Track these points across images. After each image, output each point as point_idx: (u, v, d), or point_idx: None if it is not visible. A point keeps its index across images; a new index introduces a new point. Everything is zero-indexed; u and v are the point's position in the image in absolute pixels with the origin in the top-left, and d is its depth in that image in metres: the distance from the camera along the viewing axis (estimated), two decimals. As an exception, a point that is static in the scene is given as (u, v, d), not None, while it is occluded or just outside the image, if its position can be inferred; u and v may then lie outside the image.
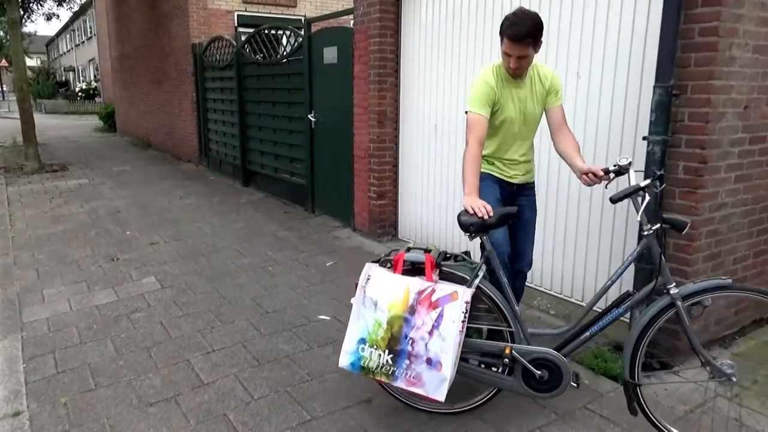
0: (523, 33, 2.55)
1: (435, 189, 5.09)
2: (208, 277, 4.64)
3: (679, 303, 2.34)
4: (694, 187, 2.94)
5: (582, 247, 3.74)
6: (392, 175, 5.56)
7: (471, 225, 2.47)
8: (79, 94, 32.35)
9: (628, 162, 2.52)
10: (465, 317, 2.35)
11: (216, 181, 9.16)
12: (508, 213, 2.55)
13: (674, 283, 2.37)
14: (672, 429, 2.47)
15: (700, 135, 2.89)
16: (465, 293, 2.37)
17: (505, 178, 2.94)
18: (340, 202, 6.25)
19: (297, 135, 6.96)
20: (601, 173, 2.58)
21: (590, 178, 2.62)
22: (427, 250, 2.54)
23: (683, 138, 2.95)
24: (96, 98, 31.52)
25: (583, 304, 3.76)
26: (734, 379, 2.33)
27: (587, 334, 2.53)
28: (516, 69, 2.67)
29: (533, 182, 3.07)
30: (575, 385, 2.53)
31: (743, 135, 3.07)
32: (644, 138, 3.02)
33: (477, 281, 2.49)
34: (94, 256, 5.19)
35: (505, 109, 2.78)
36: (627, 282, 3.23)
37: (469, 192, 2.61)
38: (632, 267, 3.23)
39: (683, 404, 2.79)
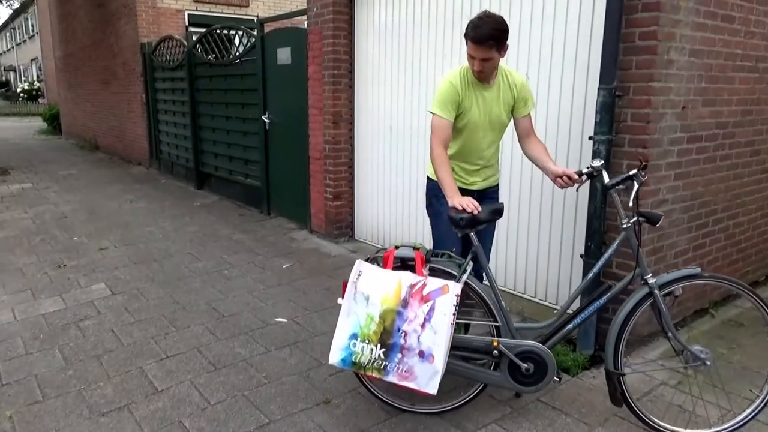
0: (485, 35, 2.57)
1: (391, 189, 5.13)
2: (161, 282, 4.54)
3: (656, 292, 2.47)
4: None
5: (534, 244, 3.84)
6: (348, 176, 5.57)
7: (461, 219, 2.52)
8: (21, 94, 31.03)
9: (600, 164, 2.64)
10: (455, 311, 2.38)
11: (168, 184, 8.96)
12: (497, 209, 2.62)
13: (651, 274, 2.49)
14: (645, 412, 2.57)
15: (642, 135, 3.02)
16: (455, 287, 2.41)
17: (464, 186, 2.93)
18: (296, 204, 6.22)
19: (251, 136, 6.88)
20: (576, 176, 2.66)
21: (564, 180, 2.69)
22: (415, 248, 2.58)
23: (626, 137, 3.07)
24: (39, 99, 30.31)
25: (536, 299, 3.87)
26: (708, 363, 2.46)
27: (570, 326, 2.64)
28: (480, 72, 2.69)
29: (496, 186, 3.10)
30: (557, 379, 2.63)
31: (681, 134, 3.23)
32: (590, 138, 3.14)
33: (465, 276, 2.54)
34: (40, 263, 5.00)
35: (470, 112, 2.78)
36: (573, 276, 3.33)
37: (451, 194, 2.66)
38: (580, 262, 3.35)
39: (633, 393, 2.91)
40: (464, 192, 2.88)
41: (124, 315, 3.90)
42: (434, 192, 2.94)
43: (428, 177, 3.04)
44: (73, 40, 13.88)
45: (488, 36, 2.57)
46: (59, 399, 2.87)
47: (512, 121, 2.93)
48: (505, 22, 2.63)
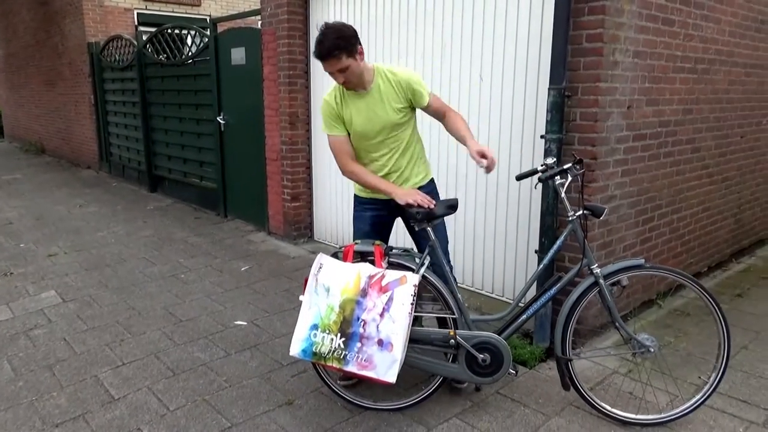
0: (328, 48, 2.51)
1: (350, 190, 5.14)
2: (115, 288, 4.42)
3: (601, 281, 2.58)
4: (587, 181, 3.18)
5: (490, 241, 3.92)
6: (306, 177, 5.56)
7: (417, 213, 2.58)
8: (-42, 96, 29.52)
9: (553, 161, 2.74)
10: (413, 301, 2.43)
11: (119, 187, 8.72)
12: (452, 204, 2.67)
13: (597, 264, 2.60)
14: (596, 399, 2.68)
15: (591, 133, 3.13)
16: (413, 278, 2.47)
17: (373, 197, 2.89)
18: (253, 206, 6.16)
19: (206, 138, 6.77)
20: (490, 154, 2.54)
21: (479, 159, 2.57)
22: (374, 243, 2.66)
23: (576, 136, 3.19)
24: (-22, 101, 28.88)
25: (493, 295, 3.96)
26: (653, 350, 2.59)
27: (524, 317, 2.73)
28: (345, 83, 2.64)
29: (426, 184, 2.94)
30: (514, 372, 2.71)
31: (627, 133, 3.36)
32: (542, 136, 3.23)
33: (423, 270, 2.60)
34: (-16, 271, 4.80)
35: (353, 122, 2.74)
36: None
37: (393, 189, 2.71)
38: (536, 257, 3.44)
39: (585, 382, 3.02)
40: (377, 203, 2.90)
41: (77, 323, 3.78)
42: (355, 201, 3.02)
43: (354, 194, 3.03)
44: (14, 38, 13.31)
45: (332, 48, 2.51)
46: (9, 411, 2.77)
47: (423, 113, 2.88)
48: (347, 28, 2.56)
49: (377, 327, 2.43)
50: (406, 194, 2.66)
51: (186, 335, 3.60)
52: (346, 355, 2.43)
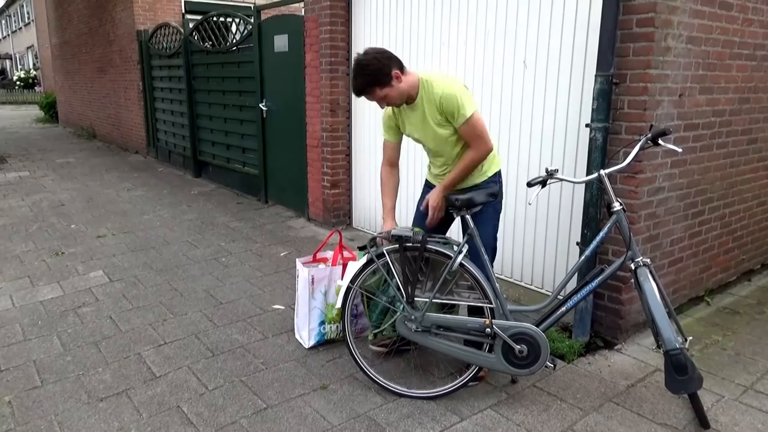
0: (359, 88, 2.61)
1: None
2: (159, 269, 4.55)
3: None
4: (634, 173, 3.07)
5: (531, 232, 3.85)
6: (346, 164, 5.57)
7: (456, 200, 2.58)
8: (18, 83, 30.84)
9: (554, 168, 2.66)
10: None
11: (165, 172, 8.95)
12: (492, 192, 2.66)
13: (641, 257, 2.53)
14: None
15: (639, 122, 3.02)
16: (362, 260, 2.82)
17: (432, 181, 3.02)
18: (293, 192, 6.22)
19: (248, 124, 6.86)
20: (430, 204, 2.84)
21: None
22: (413, 229, 2.71)
23: (623, 125, 3.07)
24: (36, 87, 30.15)
25: (533, 287, 3.89)
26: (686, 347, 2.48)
27: (563, 309, 2.66)
28: (388, 105, 2.72)
29: (478, 186, 2.85)
30: (551, 365, 2.65)
31: (678, 122, 3.23)
32: (587, 125, 3.14)
33: (460, 258, 2.58)
34: (38, 250, 5.01)
35: (408, 130, 2.85)
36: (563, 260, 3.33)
37: (384, 218, 2.91)
38: (577, 249, 3.36)
39: (625, 379, 2.94)
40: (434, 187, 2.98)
41: (122, 302, 3.91)
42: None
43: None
44: (69, 27, 13.78)
45: (364, 86, 2.60)
46: (58, 384, 2.89)
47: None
48: (378, 60, 2.55)
49: (362, 304, 3.06)
50: (387, 224, 2.88)
51: (225, 317, 3.67)
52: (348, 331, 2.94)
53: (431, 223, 2.87)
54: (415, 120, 2.77)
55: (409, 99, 2.71)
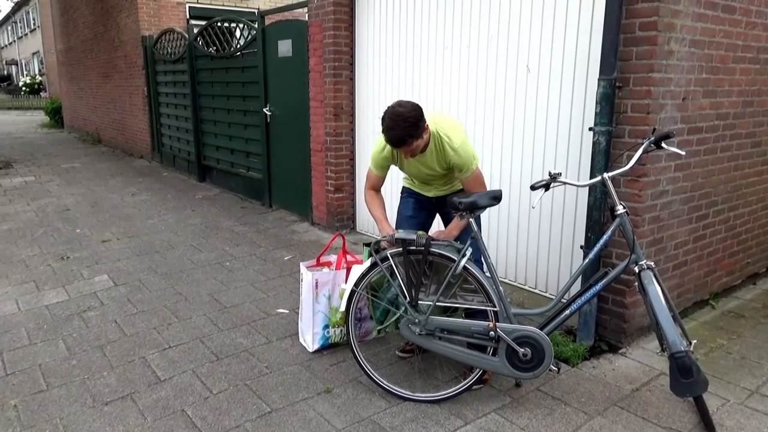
0: (399, 139, 2.59)
1: (392, 181, 5.13)
2: (164, 273, 4.56)
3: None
4: (638, 176, 3.07)
5: (534, 236, 3.85)
6: (350, 168, 5.58)
7: (460, 204, 2.60)
8: (23, 88, 31.03)
9: (558, 172, 2.68)
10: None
11: (170, 176, 8.98)
12: (496, 195, 2.66)
13: (645, 260, 2.52)
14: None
15: (642, 125, 3.02)
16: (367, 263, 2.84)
17: (419, 191, 3.12)
18: (297, 196, 6.23)
19: (252, 129, 6.89)
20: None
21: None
22: (417, 232, 2.70)
23: (626, 128, 3.08)
24: (41, 93, 30.31)
25: (536, 291, 3.89)
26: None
27: (567, 312, 2.66)
28: (410, 155, 2.72)
29: (457, 190, 3.04)
30: (555, 369, 2.65)
31: (682, 125, 3.23)
32: (590, 129, 3.14)
33: (464, 261, 2.58)
34: (43, 255, 5.03)
35: (403, 168, 2.95)
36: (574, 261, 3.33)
37: (381, 225, 2.92)
38: (581, 253, 3.36)
39: (629, 383, 2.93)
40: (420, 196, 3.11)
41: (127, 306, 3.92)
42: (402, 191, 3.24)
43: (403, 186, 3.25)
44: (74, 33, 13.87)
45: (402, 140, 2.59)
46: (63, 388, 2.90)
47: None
48: (414, 113, 2.56)
49: (368, 307, 3.18)
50: (386, 226, 2.90)
51: (230, 321, 3.68)
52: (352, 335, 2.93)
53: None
54: (415, 164, 2.87)
55: (416, 153, 2.75)
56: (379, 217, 2.97)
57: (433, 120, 2.76)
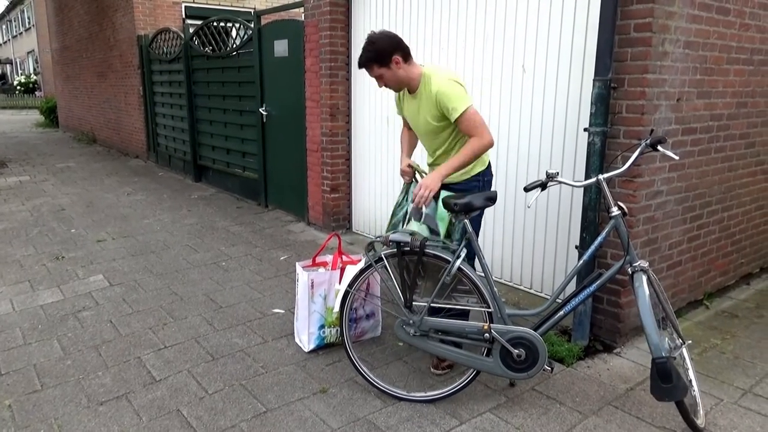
0: (361, 62, 2.78)
1: (388, 181, 5.14)
2: (159, 273, 4.56)
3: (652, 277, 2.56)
4: (632, 176, 3.09)
5: (530, 236, 3.86)
6: (345, 168, 5.59)
7: (455, 205, 2.58)
8: (18, 87, 30.91)
9: (554, 172, 2.64)
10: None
11: (166, 176, 8.96)
12: (490, 196, 2.66)
13: (639, 261, 2.53)
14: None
15: (637, 126, 3.03)
16: (361, 263, 2.87)
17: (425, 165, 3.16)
18: (293, 196, 6.23)
19: (248, 129, 6.88)
20: (418, 192, 2.72)
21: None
22: (411, 234, 2.68)
23: (621, 129, 3.09)
24: (36, 92, 30.20)
25: (532, 291, 3.90)
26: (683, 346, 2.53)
27: (561, 312, 2.65)
28: (384, 86, 2.86)
29: (459, 183, 2.91)
30: (549, 369, 2.66)
31: (676, 126, 3.24)
32: (585, 129, 3.15)
33: (458, 262, 2.59)
34: (38, 254, 5.02)
35: (405, 113, 3.04)
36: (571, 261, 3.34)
37: (401, 152, 3.12)
38: (576, 253, 3.37)
39: (624, 383, 2.94)
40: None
41: (122, 306, 3.92)
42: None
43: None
44: (69, 32, 13.83)
45: (364, 61, 2.77)
46: (58, 388, 2.89)
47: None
48: (383, 40, 2.73)
49: (363, 307, 3.33)
50: (405, 159, 3.05)
51: (225, 321, 3.68)
52: (346, 335, 2.95)
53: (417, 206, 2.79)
54: (411, 108, 2.94)
55: (411, 89, 2.87)
56: (401, 149, 3.17)
57: (428, 68, 2.84)
